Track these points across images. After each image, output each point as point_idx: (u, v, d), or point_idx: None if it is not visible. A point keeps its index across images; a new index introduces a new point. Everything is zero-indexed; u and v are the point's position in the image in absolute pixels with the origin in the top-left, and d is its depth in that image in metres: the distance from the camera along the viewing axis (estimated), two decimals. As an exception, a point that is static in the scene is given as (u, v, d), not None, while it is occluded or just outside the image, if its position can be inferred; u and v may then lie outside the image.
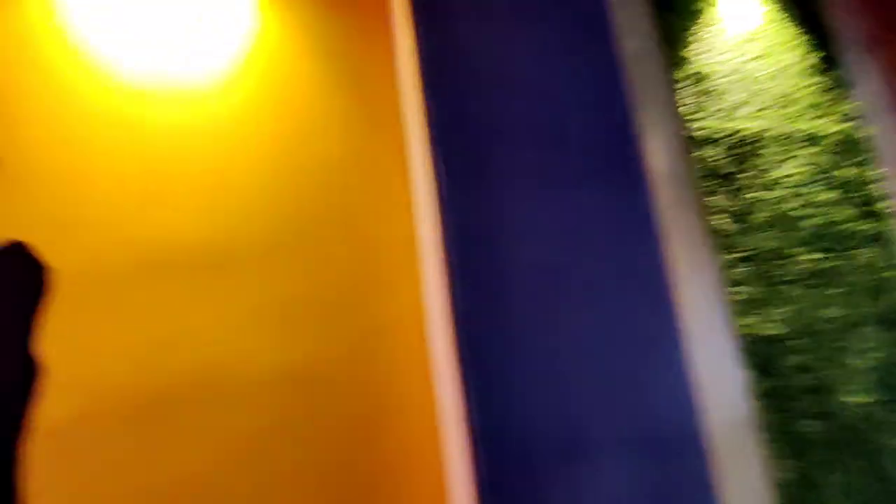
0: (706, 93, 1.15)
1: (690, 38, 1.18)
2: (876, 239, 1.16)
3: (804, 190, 1.16)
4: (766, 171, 1.12)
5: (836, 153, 1.19)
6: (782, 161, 1.14)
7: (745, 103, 1.17)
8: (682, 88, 1.13)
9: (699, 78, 1.15)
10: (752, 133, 1.15)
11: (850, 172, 1.20)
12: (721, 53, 1.17)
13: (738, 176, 1.12)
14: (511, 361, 0.86)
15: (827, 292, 1.09)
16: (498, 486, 0.80)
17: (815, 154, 1.18)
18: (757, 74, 1.19)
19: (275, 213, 0.99)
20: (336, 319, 0.97)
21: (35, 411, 0.76)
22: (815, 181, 1.17)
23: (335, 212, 1.02)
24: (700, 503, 0.87)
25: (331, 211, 1.01)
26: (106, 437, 0.83)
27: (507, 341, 0.87)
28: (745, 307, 1.04)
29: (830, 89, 1.22)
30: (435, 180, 0.92)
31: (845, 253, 1.14)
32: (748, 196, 1.10)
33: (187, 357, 0.89)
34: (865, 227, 1.17)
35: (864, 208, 1.16)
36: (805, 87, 1.22)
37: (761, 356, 1.03)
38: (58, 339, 0.84)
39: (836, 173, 1.18)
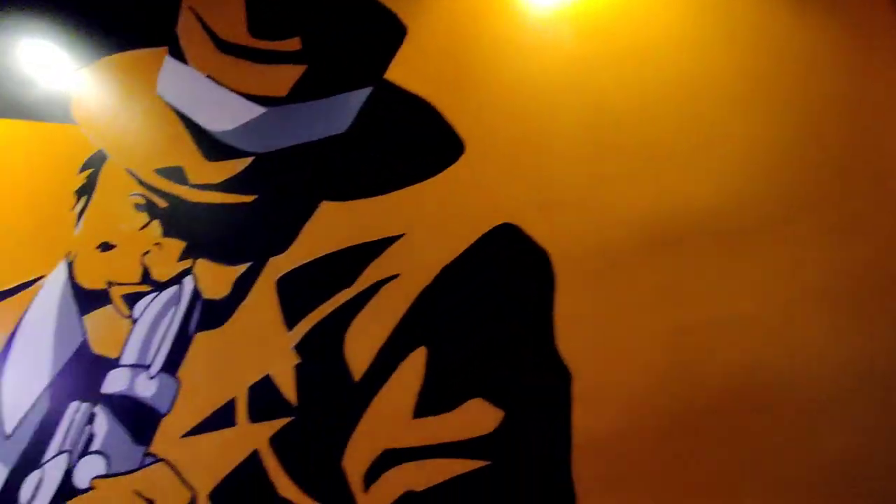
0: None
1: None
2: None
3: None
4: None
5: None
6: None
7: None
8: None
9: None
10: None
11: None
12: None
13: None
14: None
15: None
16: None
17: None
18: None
19: (791, 167, 0.75)
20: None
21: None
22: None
23: (860, 161, 0.74)
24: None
25: (855, 160, 0.74)
26: (642, 451, 0.67)
27: None
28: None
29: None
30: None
31: None
32: None
33: (721, 349, 0.69)
34: None
35: None
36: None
37: None
38: (572, 330, 0.72)
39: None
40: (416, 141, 0.88)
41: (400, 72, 0.91)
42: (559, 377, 0.70)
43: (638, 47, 0.81)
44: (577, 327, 0.73)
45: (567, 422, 0.68)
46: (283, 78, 0.95)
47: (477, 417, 0.72)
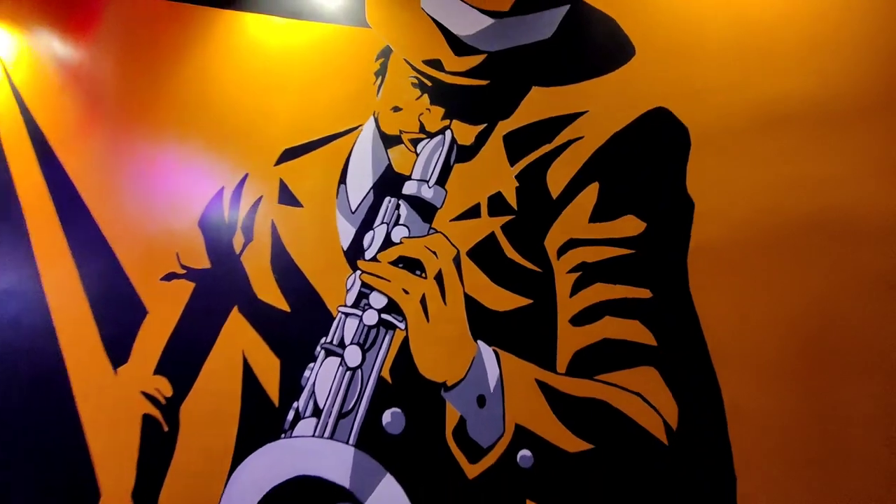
0: None
1: None
2: None
3: None
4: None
5: None
6: None
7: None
8: None
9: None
10: None
11: None
12: None
13: None
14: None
15: None
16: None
17: None
18: None
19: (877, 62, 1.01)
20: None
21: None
22: None
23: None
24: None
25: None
26: (747, 258, 1.02)
27: None
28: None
29: None
30: None
31: None
32: None
33: (808, 199, 1.00)
34: None
35: None
36: None
37: None
38: (700, 179, 1.07)
39: None
40: (600, 45, 1.25)
41: (590, -6, 1.28)
42: (686, 205, 1.11)
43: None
44: (702, 177, 1.13)
45: (689, 231, 1.10)
46: (506, -3, 1.34)
47: (628, 225, 1.16)
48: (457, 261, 1.21)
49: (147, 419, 1.36)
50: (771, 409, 0.99)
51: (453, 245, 1.21)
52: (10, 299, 1.54)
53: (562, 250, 1.15)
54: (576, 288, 1.12)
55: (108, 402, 1.40)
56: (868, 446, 0.94)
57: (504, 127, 1.24)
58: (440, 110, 1.29)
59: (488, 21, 1.29)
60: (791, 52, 1.07)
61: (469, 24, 1.30)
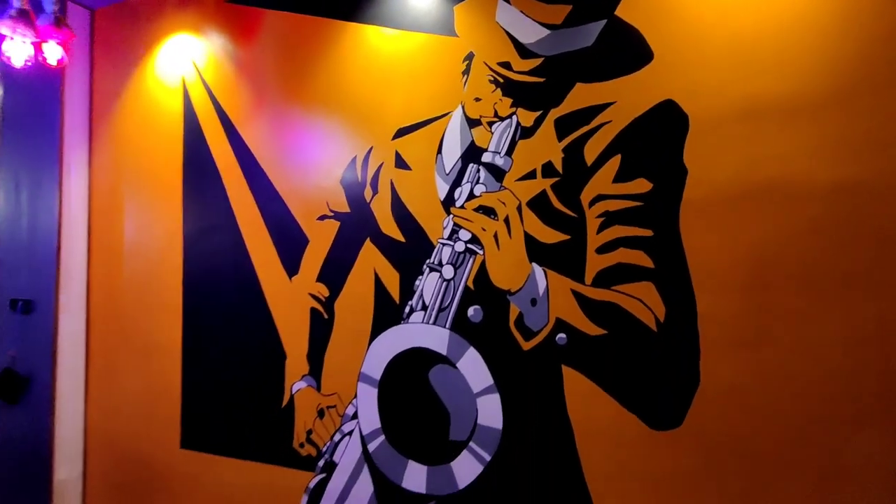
0: None
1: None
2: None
3: None
4: None
5: None
6: None
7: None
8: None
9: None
10: None
11: None
12: None
13: None
14: None
15: None
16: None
17: None
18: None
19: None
20: None
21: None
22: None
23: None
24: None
25: None
26: (720, 210, 1.46)
27: None
28: None
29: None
30: None
31: None
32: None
33: (764, 170, 1.42)
34: None
35: None
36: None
37: None
38: (693, 154, 1.49)
39: None
40: (628, 51, 1.68)
41: (622, 10, 1.69)
42: (681, 171, 1.58)
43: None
44: (694, 152, 1.57)
45: (682, 190, 1.58)
46: (559, 12, 1.77)
47: (640, 185, 1.64)
48: (519, 209, 1.76)
49: (313, 311, 2.08)
50: (726, 312, 1.50)
51: (516, 197, 1.76)
52: (216, 232, 2.29)
53: (592, 202, 1.67)
54: (600, 228, 1.65)
55: (287, 299, 2.13)
56: (788, 334, 1.44)
57: (555, 113, 1.73)
58: (509, 100, 1.79)
59: (546, 32, 1.75)
60: (765, 60, 1.48)
61: (531, 34, 1.77)
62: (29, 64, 1.90)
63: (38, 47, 1.97)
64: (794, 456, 1.41)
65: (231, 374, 2.20)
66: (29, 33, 1.84)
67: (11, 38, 1.84)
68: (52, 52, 1.95)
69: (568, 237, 1.67)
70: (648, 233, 1.57)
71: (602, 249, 1.63)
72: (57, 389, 2.40)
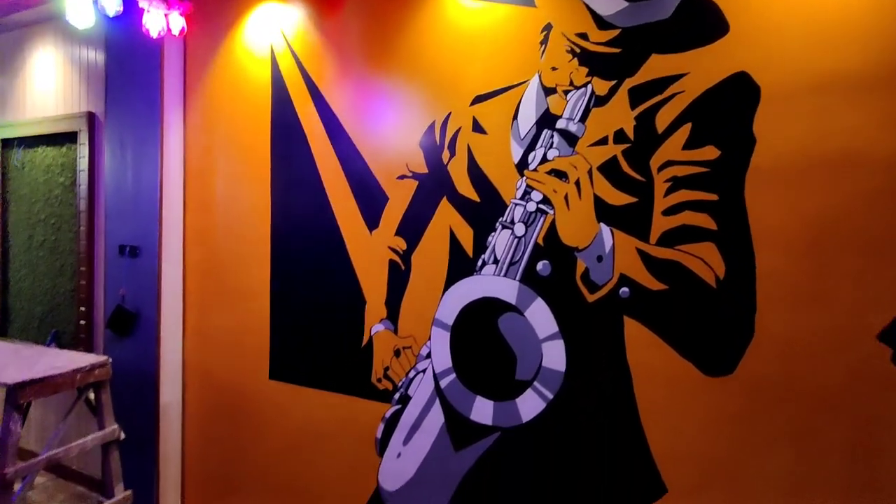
0: None
1: None
2: None
3: None
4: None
5: None
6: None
7: None
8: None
9: None
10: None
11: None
12: None
13: None
14: None
15: None
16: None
17: None
18: None
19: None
20: None
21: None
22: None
23: None
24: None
25: None
26: (785, 177, 1.57)
27: None
28: None
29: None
30: None
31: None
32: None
33: (832, 141, 1.51)
34: None
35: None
36: None
37: None
38: (762, 123, 1.59)
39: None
40: (704, 24, 1.77)
41: (702, -17, 1.77)
42: (750, 140, 1.69)
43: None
44: (764, 122, 1.67)
45: (749, 158, 1.69)
46: (639, -16, 1.87)
47: (709, 152, 1.75)
48: (589, 172, 1.90)
49: (391, 262, 2.30)
50: (784, 272, 1.63)
51: (588, 162, 1.90)
52: (302, 188, 2.52)
53: (660, 167, 1.80)
54: (667, 192, 1.78)
55: (367, 251, 2.36)
56: (842, 295, 1.57)
57: (629, 83, 1.84)
58: (585, 70, 1.91)
59: (624, 4, 1.85)
60: (839, 35, 1.55)
61: (609, 5, 1.87)
62: (162, 34, 2.12)
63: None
64: (838, 403, 1.55)
65: (315, 316, 2.46)
66: (161, 5, 2.06)
67: (148, 11, 2.07)
68: (176, 23, 2.17)
69: (635, 200, 1.81)
70: (714, 197, 1.70)
71: (668, 212, 1.77)
72: (161, 325, 2.73)
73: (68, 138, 3.30)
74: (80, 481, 3.34)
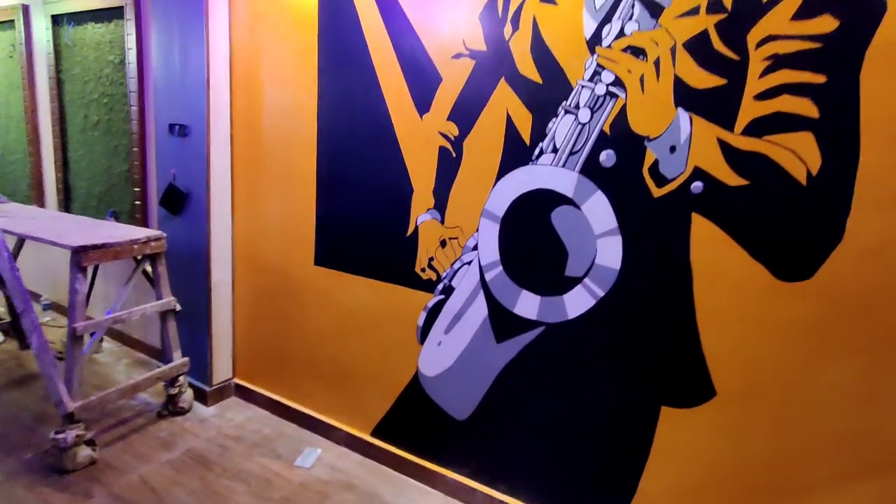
0: None
1: None
2: None
3: None
4: None
5: None
6: None
7: None
8: None
9: None
10: None
11: None
12: None
13: None
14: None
15: None
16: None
17: None
18: None
19: None
20: None
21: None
22: None
23: None
24: None
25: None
26: None
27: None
28: None
29: None
30: None
31: None
32: None
33: None
34: None
35: None
36: None
37: None
38: None
39: None
40: None
41: None
42: (879, 6, 1.41)
43: None
44: None
45: (874, 29, 1.42)
46: None
47: (824, 22, 1.49)
48: (673, 50, 1.67)
49: (442, 149, 2.19)
50: (891, 171, 1.42)
51: (672, 37, 1.67)
52: (350, 68, 2.37)
53: (760, 43, 1.55)
54: (764, 72, 1.55)
55: (417, 137, 2.24)
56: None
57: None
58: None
59: None
60: None
61: None
62: None
63: None
64: (930, 315, 1.40)
65: (361, 203, 2.42)
66: None
67: None
68: None
69: (724, 81, 1.59)
70: (821, 79, 1.47)
71: (762, 96, 1.55)
72: (210, 205, 2.77)
73: (115, 14, 3.21)
74: (141, 350, 3.62)
